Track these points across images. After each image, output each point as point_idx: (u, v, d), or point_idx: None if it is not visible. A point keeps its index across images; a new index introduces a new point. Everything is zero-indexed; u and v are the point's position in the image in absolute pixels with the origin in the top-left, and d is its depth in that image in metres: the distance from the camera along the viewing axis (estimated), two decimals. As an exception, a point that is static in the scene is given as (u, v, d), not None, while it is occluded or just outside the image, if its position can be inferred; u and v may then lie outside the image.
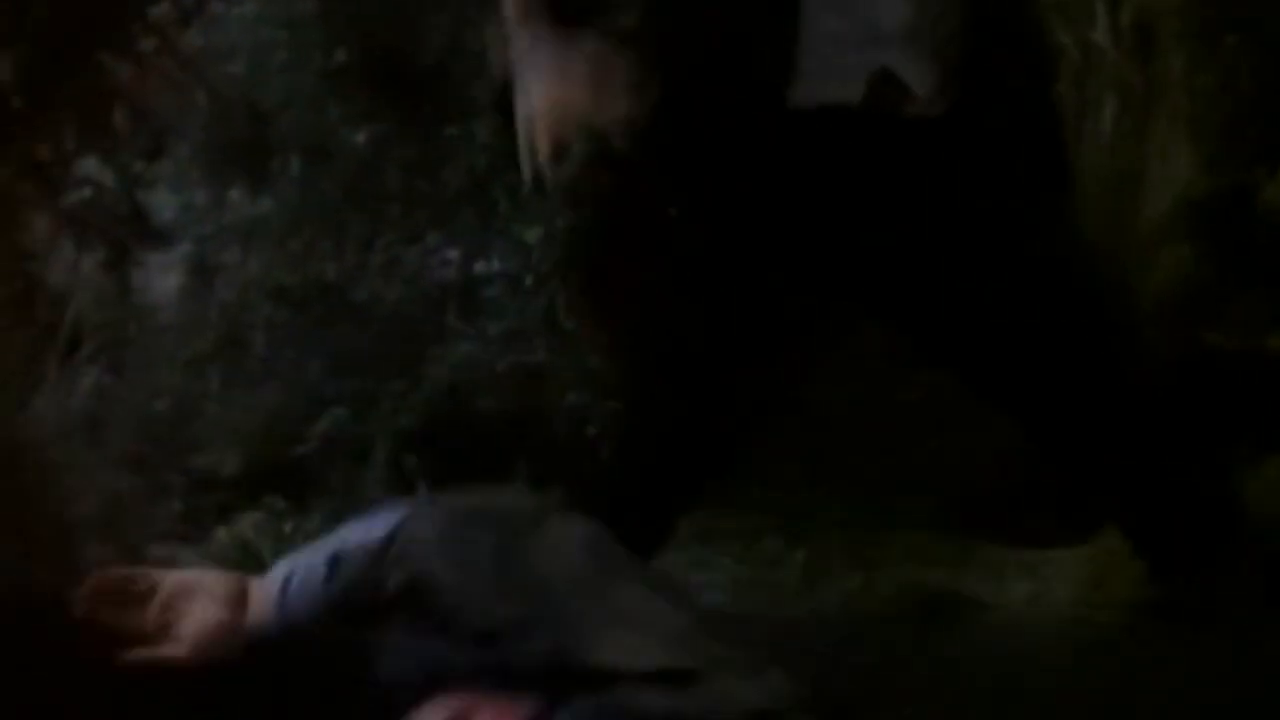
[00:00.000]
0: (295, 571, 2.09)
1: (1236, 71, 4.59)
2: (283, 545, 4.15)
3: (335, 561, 2.04)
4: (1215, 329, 4.30)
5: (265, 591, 2.10)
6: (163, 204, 5.01)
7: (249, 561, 4.08)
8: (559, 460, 4.33)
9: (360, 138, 4.80)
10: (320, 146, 4.83)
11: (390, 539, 2.00)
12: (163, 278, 4.97)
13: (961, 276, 3.12)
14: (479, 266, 4.73)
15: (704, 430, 3.57)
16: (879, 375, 4.41)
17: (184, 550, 4.19)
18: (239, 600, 2.10)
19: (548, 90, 3.17)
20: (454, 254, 4.77)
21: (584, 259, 4.41)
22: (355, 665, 1.98)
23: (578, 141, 3.48)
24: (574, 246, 4.46)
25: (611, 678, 1.77)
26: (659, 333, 3.77)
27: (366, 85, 4.82)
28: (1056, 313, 3.17)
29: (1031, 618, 3.88)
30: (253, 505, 4.36)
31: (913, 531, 4.35)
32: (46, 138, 4.17)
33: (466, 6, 4.83)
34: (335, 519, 4.33)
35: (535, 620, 1.83)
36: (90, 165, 4.71)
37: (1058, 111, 3.63)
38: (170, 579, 2.13)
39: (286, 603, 2.05)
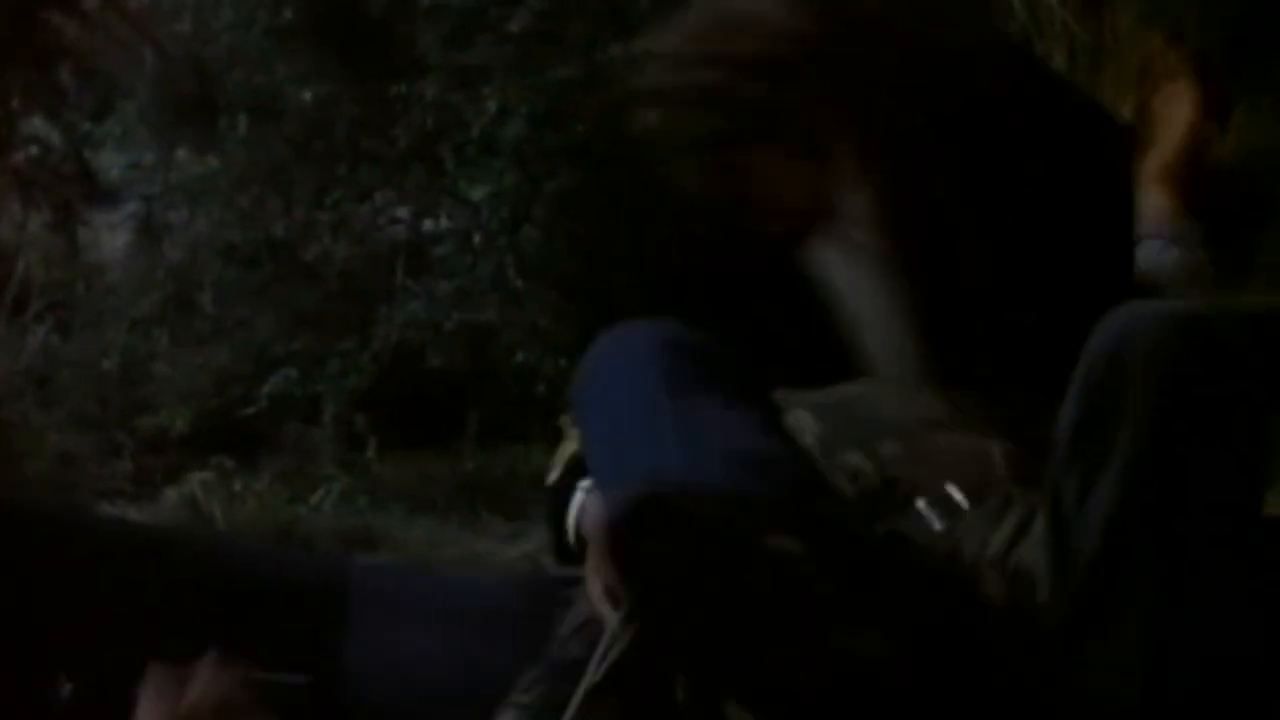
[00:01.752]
0: None
1: (1185, 27, 4.57)
2: (233, 505, 4.17)
3: None
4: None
5: None
6: (110, 163, 5.00)
7: (199, 522, 4.09)
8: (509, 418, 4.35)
9: (307, 96, 4.79)
10: (268, 105, 4.81)
11: None
12: (110, 237, 4.97)
13: None
14: (428, 225, 4.74)
15: None
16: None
17: (133, 510, 4.20)
18: None
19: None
20: (403, 212, 4.78)
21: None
22: None
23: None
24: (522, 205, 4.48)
25: None
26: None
27: (313, 43, 4.81)
28: None
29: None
30: (202, 465, 4.35)
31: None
32: (-8, 96, 4.15)
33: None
34: (285, 479, 4.40)
35: None
36: (37, 124, 4.70)
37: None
38: None
39: None
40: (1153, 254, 2.09)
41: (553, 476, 2.02)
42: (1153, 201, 2.31)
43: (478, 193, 4.55)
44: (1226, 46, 4.54)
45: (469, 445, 4.39)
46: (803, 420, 1.99)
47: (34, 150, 4.62)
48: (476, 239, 4.56)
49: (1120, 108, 4.62)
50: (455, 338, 4.51)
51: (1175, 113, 2.43)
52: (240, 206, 4.77)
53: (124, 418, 4.55)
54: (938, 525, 1.84)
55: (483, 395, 4.44)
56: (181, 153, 4.89)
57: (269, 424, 4.53)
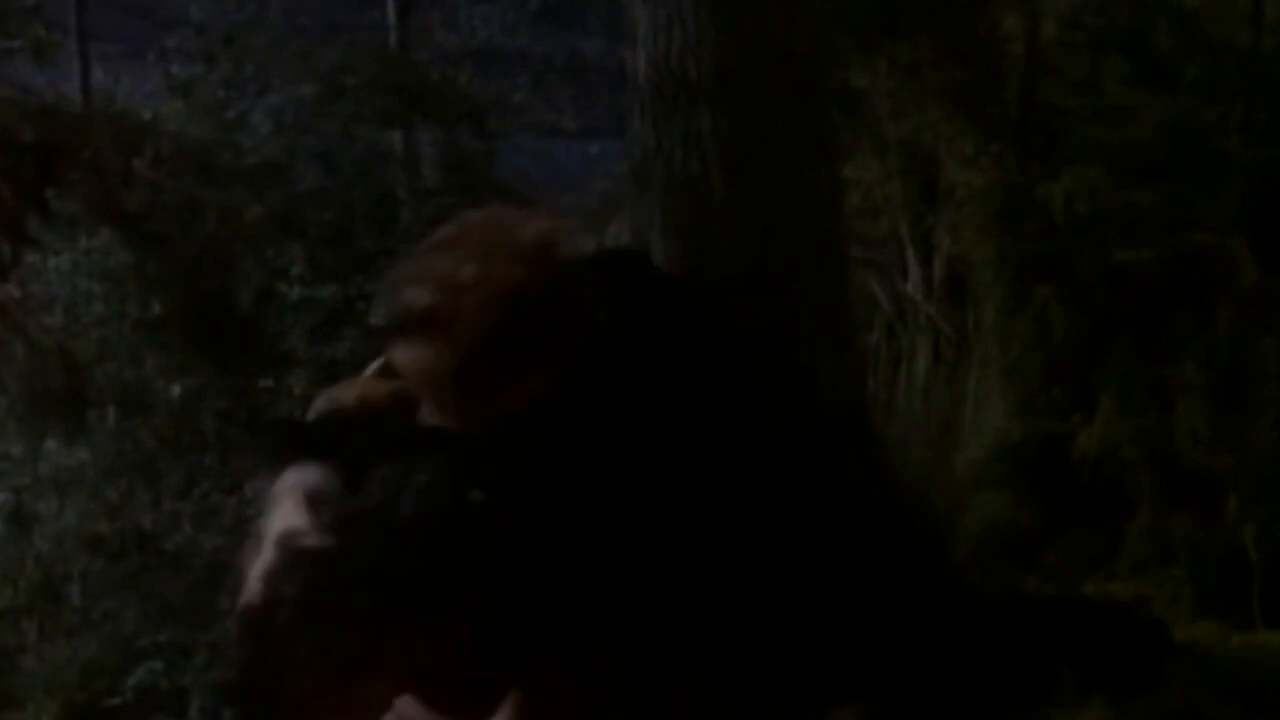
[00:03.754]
0: None
1: (1048, 320, 4.67)
2: (98, 803, 4.17)
3: None
4: (1031, 574, 4.31)
5: None
6: (-21, 456, 5.05)
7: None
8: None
9: (176, 389, 4.87)
10: (137, 397, 4.89)
11: None
12: (-21, 529, 4.99)
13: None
14: (295, 516, 4.81)
15: None
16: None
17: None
18: None
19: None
20: (271, 503, 4.85)
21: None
22: None
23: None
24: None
25: None
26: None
27: (182, 337, 4.91)
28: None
29: None
30: (67, 761, 4.36)
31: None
32: None
33: (280, 258, 4.97)
34: (152, 773, 4.40)
35: None
36: (-94, 417, 4.73)
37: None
38: None
39: None
40: None
41: None
42: None
43: (341, 485, 4.61)
44: (1090, 338, 4.65)
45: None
46: None
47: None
48: (344, 529, 4.61)
49: (987, 401, 4.72)
50: (324, 628, 4.55)
51: None
52: (108, 498, 4.82)
53: (-11, 714, 4.55)
54: None
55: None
56: (50, 444, 4.93)
57: (135, 717, 4.53)
